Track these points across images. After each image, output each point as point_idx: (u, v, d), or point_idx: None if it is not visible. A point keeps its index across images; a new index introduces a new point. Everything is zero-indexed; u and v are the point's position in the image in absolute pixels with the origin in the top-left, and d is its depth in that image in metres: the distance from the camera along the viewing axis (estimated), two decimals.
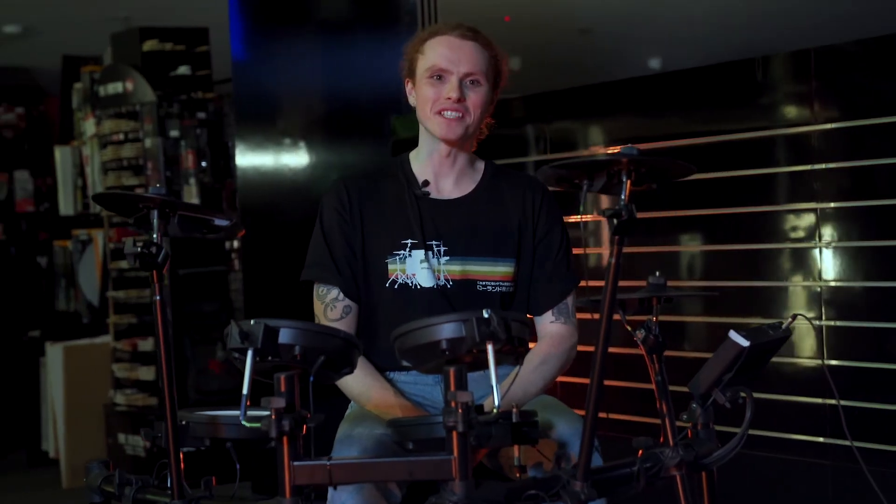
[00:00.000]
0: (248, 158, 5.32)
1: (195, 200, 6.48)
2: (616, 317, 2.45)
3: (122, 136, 6.69)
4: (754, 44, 7.34)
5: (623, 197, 2.19)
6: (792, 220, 3.90)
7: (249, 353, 2.21)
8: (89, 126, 7.27)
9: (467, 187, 2.99)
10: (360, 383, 2.83)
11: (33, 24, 7.90)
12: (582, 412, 2.76)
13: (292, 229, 5.37)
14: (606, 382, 4.28)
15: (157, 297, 2.27)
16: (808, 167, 3.83)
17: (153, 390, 6.58)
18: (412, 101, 2.97)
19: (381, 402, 2.80)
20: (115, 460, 6.54)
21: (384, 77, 5.04)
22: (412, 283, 2.89)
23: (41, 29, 8.04)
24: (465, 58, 2.86)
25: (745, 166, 4.01)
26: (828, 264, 3.79)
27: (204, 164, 6.55)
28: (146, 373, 6.59)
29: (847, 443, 3.66)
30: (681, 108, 4.30)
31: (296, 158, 5.24)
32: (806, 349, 3.86)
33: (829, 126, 3.78)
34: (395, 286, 2.90)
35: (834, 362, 3.78)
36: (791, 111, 3.92)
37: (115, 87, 6.72)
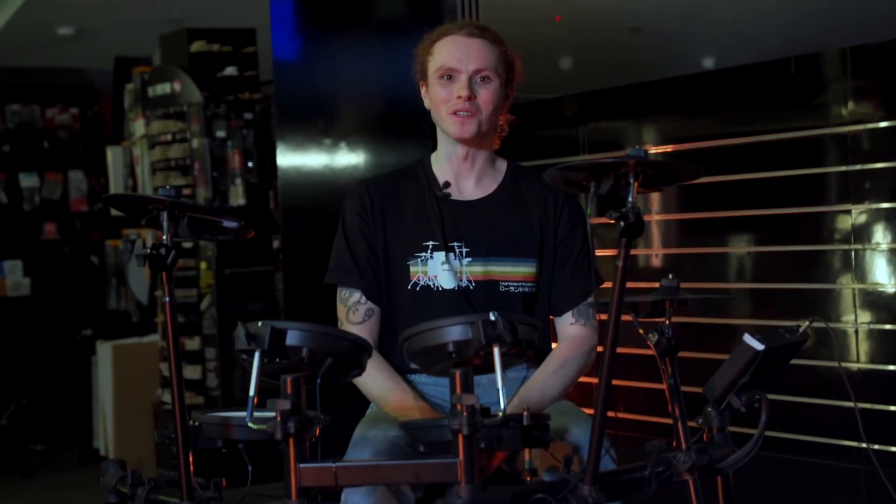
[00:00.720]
0: (288, 159, 5.34)
1: (241, 201, 6.52)
2: (628, 318, 2.43)
3: (169, 137, 6.75)
4: (809, 41, 7.26)
5: (630, 199, 2.17)
6: (839, 222, 3.83)
7: (257, 355, 2.21)
8: (139, 126, 7.35)
9: (489, 188, 2.98)
10: (379, 385, 2.84)
11: (87, 25, 8.00)
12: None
13: (333, 230, 5.38)
14: (626, 383, 4.31)
15: (167, 299, 2.28)
16: (857, 167, 3.75)
17: (199, 389, 6.63)
18: (427, 103, 2.97)
19: (399, 404, 2.79)
20: (163, 458, 6.60)
21: None
22: (434, 284, 2.89)
23: (95, 30, 8.14)
24: (474, 55, 2.86)
25: (793, 166, 3.93)
26: (871, 266, 3.72)
27: (250, 164, 6.59)
28: (192, 371, 6.64)
29: (884, 448, 3.62)
30: (730, 107, 4.22)
31: (336, 158, 5.25)
32: (835, 352, 3.80)
33: (881, 125, 3.69)
34: (417, 288, 2.90)
35: (868, 366, 3.73)
36: (838, 110, 3.83)
37: (163, 88, 6.78)
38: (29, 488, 7.14)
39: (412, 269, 2.90)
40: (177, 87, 6.68)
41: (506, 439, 2.30)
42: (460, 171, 2.97)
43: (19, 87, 8.92)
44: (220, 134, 6.57)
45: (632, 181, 2.18)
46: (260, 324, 2.23)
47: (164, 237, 2.29)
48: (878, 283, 3.72)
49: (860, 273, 3.76)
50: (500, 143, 3.07)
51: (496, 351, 2.20)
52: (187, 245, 6.62)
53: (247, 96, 6.66)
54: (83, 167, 8.94)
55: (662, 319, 2.43)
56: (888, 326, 3.71)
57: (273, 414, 2.19)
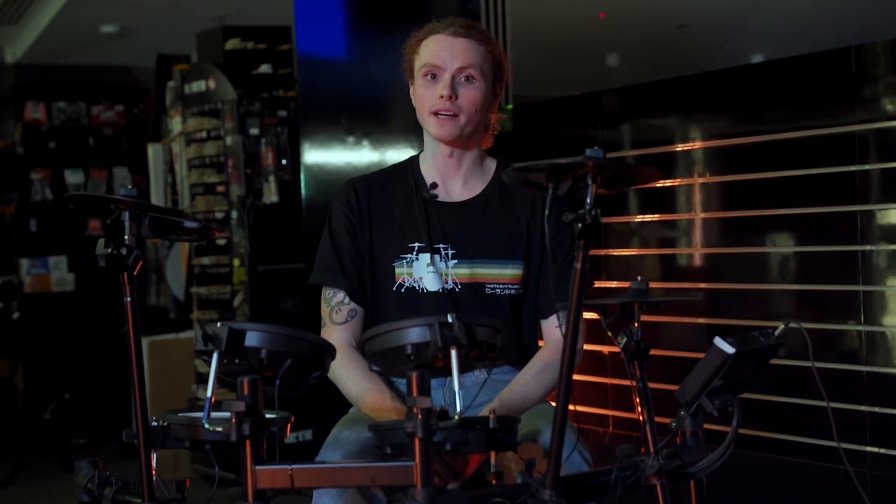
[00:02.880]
0: (312, 156, 5.35)
1: (274, 198, 6.54)
2: (596, 316, 2.40)
3: (204, 134, 6.78)
4: (859, 34, 7.13)
5: (588, 201, 2.14)
6: (887, 219, 3.70)
7: (214, 356, 2.21)
8: (177, 124, 7.40)
9: (476, 189, 2.96)
10: (357, 385, 2.82)
11: (130, 23, 8.07)
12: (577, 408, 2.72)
13: None
14: (612, 380, 4.24)
15: (128, 299, 2.28)
16: None
17: (231, 386, 6.63)
18: (414, 102, 2.95)
19: (376, 405, 2.78)
20: (198, 455, 6.63)
21: None
22: (419, 286, 2.87)
23: (138, 28, 8.21)
24: (458, 55, 2.83)
25: (840, 163, 3.80)
26: None
27: (284, 161, 6.60)
28: None
29: (886, 451, 3.56)
30: (776, 102, 4.10)
31: (360, 156, 5.25)
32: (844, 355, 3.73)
33: None
34: (402, 290, 2.88)
35: (867, 368, 3.65)
36: (890, 104, 3.70)
37: (198, 86, 6.82)
38: (66, 481, 7.21)
39: (397, 270, 2.89)
40: (212, 84, 6.71)
41: (472, 442, 2.28)
42: (447, 172, 2.94)
43: (65, 85, 9.02)
44: (254, 131, 6.59)
45: (590, 182, 2.15)
46: (218, 324, 2.23)
47: (126, 237, 2.29)
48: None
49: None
50: (494, 142, 3.04)
51: (453, 353, 2.18)
52: (221, 242, 6.66)
53: (281, 94, 6.67)
54: (128, 164, 9.03)
55: (631, 322, 2.39)
56: None
57: (229, 415, 2.19)
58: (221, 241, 6.65)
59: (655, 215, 4.26)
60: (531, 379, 2.80)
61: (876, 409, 3.63)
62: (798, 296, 3.96)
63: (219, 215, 6.66)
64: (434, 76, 2.84)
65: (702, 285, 4.18)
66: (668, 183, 4.20)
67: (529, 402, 2.78)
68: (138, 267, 2.29)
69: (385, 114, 5.22)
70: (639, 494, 2.37)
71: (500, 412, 2.51)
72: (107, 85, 9.12)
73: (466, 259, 2.87)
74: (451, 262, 2.87)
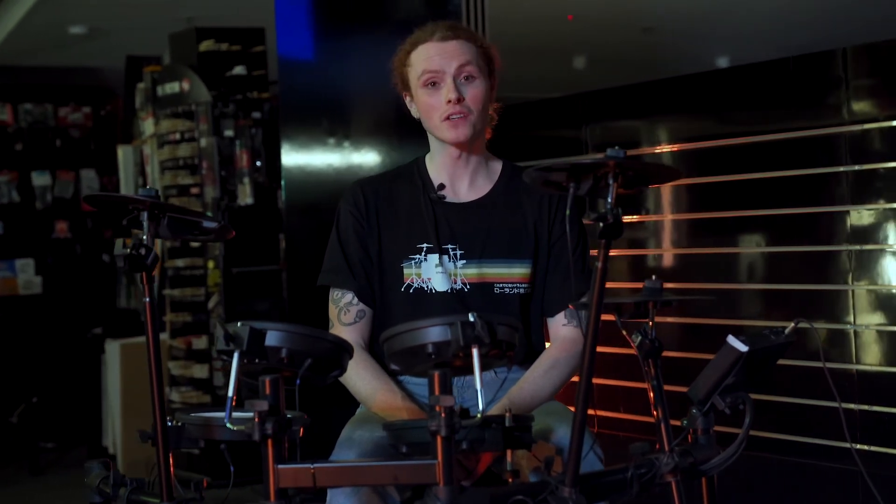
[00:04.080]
0: (293, 158, 5.34)
1: (249, 200, 6.53)
2: (611, 317, 2.42)
3: (178, 136, 6.76)
4: (825, 38, 7.22)
5: (609, 200, 2.16)
6: (848, 221, 3.78)
7: (235, 356, 2.21)
8: (149, 125, 7.37)
9: (483, 189, 2.97)
10: (366, 385, 2.83)
11: (99, 24, 8.02)
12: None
13: None
14: (619, 383, 4.28)
15: (147, 300, 2.27)
16: (883, 165, 3.70)
17: (206, 388, 6.64)
18: (414, 112, 2.96)
19: (386, 404, 2.79)
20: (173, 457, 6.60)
21: None
22: (427, 287, 2.88)
23: (107, 30, 8.16)
24: (453, 56, 2.85)
25: (805, 165, 3.88)
26: (877, 267, 3.69)
27: (259, 163, 6.60)
28: (200, 370, 6.65)
29: (882, 449, 3.60)
30: (744, 106, 4.18)
31: (341, 158, 5.25)
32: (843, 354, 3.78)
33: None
34: (411, 290, 2.89)
35: (858, 367, 3.71)
36: (857, 107, 3.78)
37: (171, 87, 6.80)
38: (38, 486, 7.16)
39: (406, 271, 2.90)
40: (185, 86, 6.69)
41: (488, 441, 2.30)
42: (454, 173, 2.96)
43: (32, 86, 8.95)
44: (229, 133, 6.58)
45: (611, 182, 2.17)
46: (239, 324, 2.23)
47: (144, 237, 2.29)
48: (882, 285, 3.70)
49: (861, 273, 3.73)
50: (493, 133, 3.05)
51: (475, 352, 2.19)
52: (195, 244, 6.64)
53: (255, 95, 6.67)
54: (95, 166, 8.97)
55: (646, 320, 2.42)
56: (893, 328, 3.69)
57: (251, 415, 2.19)
58: (195, 244, 6.63)
59: (624, 217, 4.32)
60: (539, 377, 2.82)
61: (864, 407, 3.69)
62: (766, 295, 4.04)
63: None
64: (435, 83, 2.86)
65: (670, 285, 4.23)
66: None
67: (539, 401, 2.79)
68: (157, 267, 2.28)
69: (366, 115, 5.22)
70: (651, 492, 2.40)
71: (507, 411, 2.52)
72: (74, 87, 9.05)
73: (475, 259, 2.89)
74: (460, 263, 2.88)
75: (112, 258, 8.36)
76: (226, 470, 2.46)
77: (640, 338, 2.40)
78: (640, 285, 2.43)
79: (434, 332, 2.22)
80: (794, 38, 8.58)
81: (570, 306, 2.87)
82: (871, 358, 3.72)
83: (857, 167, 3.74)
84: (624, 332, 2.40)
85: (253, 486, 2.59)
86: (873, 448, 3.64)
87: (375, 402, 2.80)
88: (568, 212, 2.18)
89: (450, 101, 2.83)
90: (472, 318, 2.19)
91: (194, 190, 6.62)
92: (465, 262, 2.88)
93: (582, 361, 2.19)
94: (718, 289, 4.14)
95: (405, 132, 4.91)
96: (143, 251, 2.27)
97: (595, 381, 4.22)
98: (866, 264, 3.73)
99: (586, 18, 8.50)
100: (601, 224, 2.15)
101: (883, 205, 3.67)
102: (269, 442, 2.18)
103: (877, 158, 3.70)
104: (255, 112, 6.65)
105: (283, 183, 5.47)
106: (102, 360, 7.71)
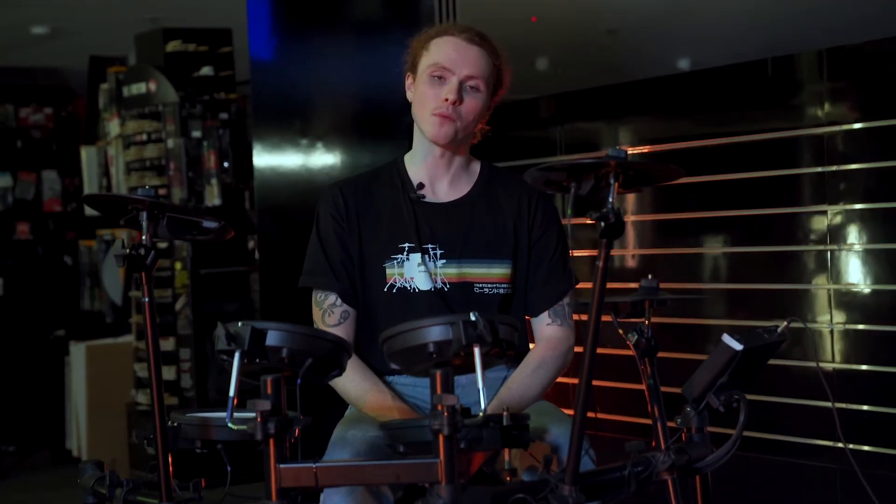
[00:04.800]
0: (265, 159, 5.33)
1: (217, 201, 6.50)
2: (608, 318, 2.44)
3: (145, 137, 6.72)
4: (785, 43, 7.28)
5: (610, 200, 2.18)
6: (814, 222, 3.85)
7: (237, 356, 2.21)
8: (114, 126, 7.32)
9: (463, 189, 2.98)
10: (356, 386, 2.83)
11: (62, 25, 7.95)
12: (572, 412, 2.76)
13: (308, 230, 5.37)
14: (605, 383, 4.31)
15: (146, 300, 2.27)
16: (832, 168, 3.77)
17: (174, 390, 6.61)
18: (409, 96, 2.96)
19: (377, 404, 2.79)
20: (137, 459, 6.57)
21: (398, 78, 5.02)
22: (410, 286, 2.88)
23: (70, 30, 8.09)
24: (469, 61, 2.84)
25: (768, 167, 3.95)
26: (845, 267, 3.74)
27: (226, 164, 6.57)
28: (167, 372, 6.61)
29: (861, 447, 3.65)
30: (705, 109, 4.24)
31: (312, 159, 5.24)
32: (811, 352, 3.83)
33: (855, 126, 3.72)
34: (394, 290, 2.89)
35: (843, 366, 3.75)
36: (814, 111, 3.86)
37: (138, 88, 6.76)
38: (0, 490, 7.09)
39: (388, 271, 2.90)
40: (152, 86, 6.65)
41: (486, 440, 2.30)
42: (435, 172, 2.96)
43: None
44: (196, 134, 6.55)
45: (612, 182, 2.19)
46: (240, 324, 2.22)
47: (144, 237, 2.28)
48: (852, 284, 3.74)
49: (835, 273, 3.78)
50: (470, 147, 3.06)
51: (477, 351, 2.20)
52: (162, 245, 6.60)
53: (223, 96, 6.64)
54: (57, 167, 8.88)
55: (642, 320, 2.44)
56: (861, 326, 3.73)
57: (253, 414, 2.19)
58: (162, 245, 6.60)
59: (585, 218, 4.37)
60: (527, 377, 2.83)
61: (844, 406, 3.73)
62: (728, 295, 4.09)
63: None
64: (441, 78, 2.86)
65: (632, 285, 4.27)
66: None
67: (528, 400, 2.81)
68: (155, 267, 2.28)
69: (340, 116, 5.21)
70: (646, 491, 2.42)
71: (500, 410, 2.53)
72: (36, 87, 8.95)
73: (455, 259, 2.90)
74: (440, 262, 2.89)
75: (75, 260, 8.31)
76: (198, 471, 2.47)
77: (636, 336, 2.42)
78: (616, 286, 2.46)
79: (436, 332, 2.22)
80: (757, 40, 8.66)
81: (566, 306, 2.88)
82: (839, 356, 3.78)
83: (820, 169, 3.80)
84: (620, 332, 2.42)
85: (235, 486, 2.58)
86: (838, 444, 3.69)
87: (366, 403, 2.81)
88: (569, 211, 2.19)
89: (446, 100, 2.83)
90: (473, 318, 2.20)
91: (162, 191, 6.59)
92: (444, 261, 2.89)
93: (583, 359, 2.21)
94: (682, 289, 4.18)
95: (376, 133, 4.92)
96: (142, 251, 2.26)
97: (572, 381, 4.25)
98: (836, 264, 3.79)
99: (550, 20, 8.53)
100: (602, 224, 2.16)
101: (843, 206, 3.73)
102: (272, 441, 2.18)
103: (842, 160, 3.76)
104: (222, 113, 6.62)
105: (255, 184, 5.45)
106: (66, 362, 7.65)
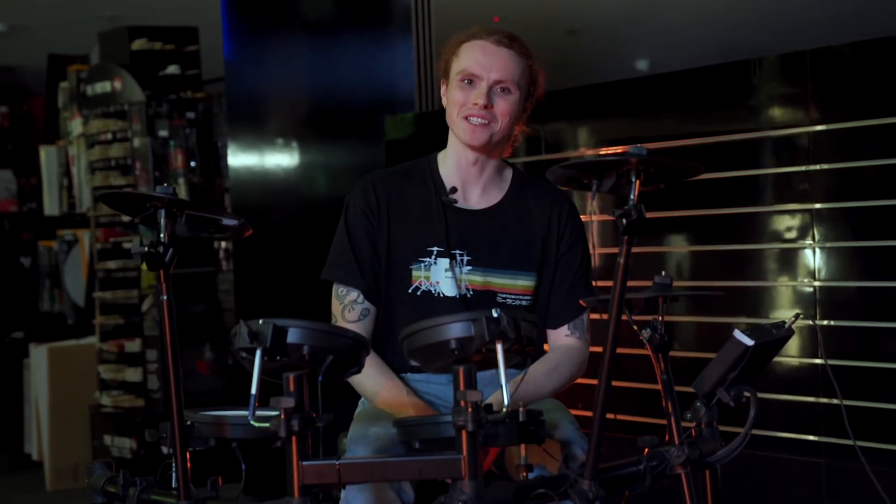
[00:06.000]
0: (240, 158, 5.31)
1: None
2: (622, 316, 2.46)
3: (109, 136, 6.66)
4: (741, 46, 7.37)
5: (632, 197, 2.20)
6: (784, 221, 3.92)
7: (258, 353, 2.20)
8: (76, 125, 7.25)
9: (494, 198, 2.97)
10: (373, 382, 2.83)
11: (18, 22, 7.87)
12: (582, 413, 2.78)
13: (284, 229, 5.37)
14: (613, 383, 4.34)
15: (165, 298, 2.25)
16: (800, 168, 3.85)
17: (140, 391, 6.56)
18: (444, 102, 2.94)
19: (393, 401, 2.79)
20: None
21: (377, 78, 5.04)
22: (435, 290, 2.88)
23: (26, 27, 8.01)
24: (498, 64, 2.84)
25: (736, 168, 4.03)
26: (820, 264, 3.81)
27: (193, 164, 6.53)
28: (133, 374, 6.57)
29: (841, 441, 3.70)
30: (671, 111, 4.31)
31: (288, 158, 5.23)
32: (792, 348, 3.88)
33: (819, 128, 3.79)
34: (418, 293, 2.89)
35: (819, 361, 3.80)
36: (781, 113, 3.94)
37: (102, 87, 6.70)
38: None
39: (415, 273, 2.89)
40: (117, 85, 6.60)
41: (502, 435, 2.31)
42: (468, 177, 2.95)
43: None
44: (163, 133, 6.51)
45: (633, 179, 2.21)
46: (261, 321, 2.22)
47: (162, 235, 2.27)
48: (830, 281, 3.80)
49: (816, 270, 3.83)
50: (512, 151, 3.06)
51: (499, 347, 2.21)
52: (128, 245, 6.55)
53: (189, 95, 6.60)
54: (13, 167, 8.77)
55: (655, 316, 2.46)
56: (842, 322, 3.79)
57: (275, 412, 2.18)
58: (129, 245, 6.54)
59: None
60: (542, 375, 2.84)
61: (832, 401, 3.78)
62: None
63: (126, 219, 6.54)
64: (471, 82, 2.85)
65: (599, 283, 4.32)
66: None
67: (538, 397, 2.82)
68: (174, 265, 2.27)
69: (315, 116, 5.21)
70: (658, 485, 2.44)
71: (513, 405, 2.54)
72: None
73: (480, 267, 2.90)
74: (466, 269, 2.89)
75: (33, 261, 8.21)
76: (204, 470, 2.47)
77: (650, 332, 2.44)
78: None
79: (458, 328, 2.23)
80: (716, 43, 8.76)
81: (582, 302, 2.90)
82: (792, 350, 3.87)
83: (773, 170, 3.89)
84: (635, 328, 2.45)
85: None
86: (835, 440, 3.75)
87: (381, 398, 2.81)
88: (590, 207, 2.21)
89: (476, 104, 2.83)
90: (496, 314, 2.21)
91: (127, 191, 6.53)
92: (470, 268, 2.89)
93: (603, 355, 2.23)
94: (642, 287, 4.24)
95: (346, 132, 4.92)
96: (160, 249, 2.25)
97: (589, 382, 4.29)
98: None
99: (512, 20, 8.55)
100: (624, 220, 2.18)
101: (773, 206, 3.79)
102: (294, 439, 2.18)
103: (797, 162, 3.85)
104: (189, 112, 6.57)
105: (230, 184, 5.44)
106: (25, 365, 7.56)
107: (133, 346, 6.58)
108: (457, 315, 2.24)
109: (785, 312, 3.89)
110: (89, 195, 6.86)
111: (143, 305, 6.53)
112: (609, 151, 4.40)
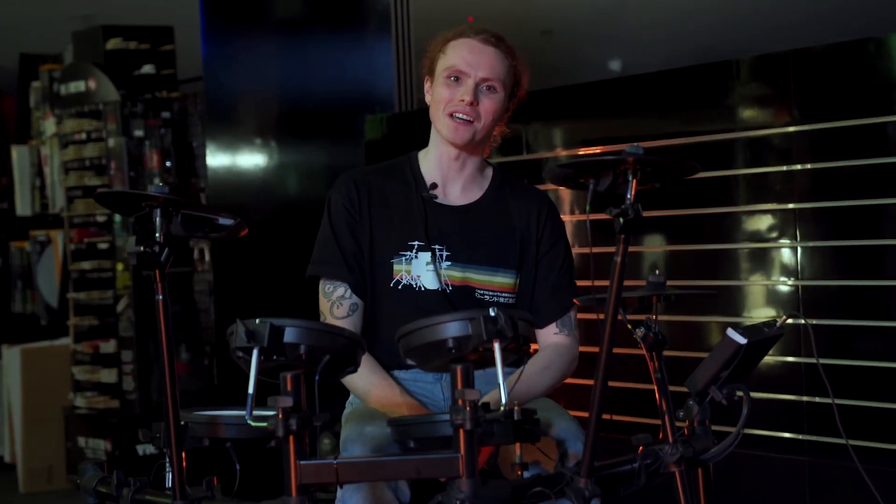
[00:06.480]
0: (218, 158, 5.29)
1: None
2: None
3: (84, 136, 6.62)
4: (715, 47, 7.40)
5: (629, 196, 2.21)
6: (765, 221, 3.94)
7: (255, 353, 2.20)
8: (49, 125, 7.20)
9: (474, 195, 2.99)
10: (365, 381, 2.82)
11: None
12: (576, 413, 2.79)
13: (263, 229, 5.35)
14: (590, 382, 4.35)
15: (160, 297, 2.25)
16: (782, 168, 3.88)
17: (115, 393, 6.52)
18: (428, 99, 2.96)
19: (386, 400, 2.79)
20: (73, 465, 6.47)
21: (356, 78, 5.03)
22: (416, 284, 2.89)
23: None
24: (485, 63, 2.85)
25: (718, 168, 4.05)
26: (801, 264, 3.83)
27: (168, 164, 6.50)
28: (108, 375, 6.53)
29: (825, 439, 3.72)
30: (655, 111, 4.33)
31: (267, 158, 5.22)
32: (776, 346, 3.91)
33: (801, 128, 3.82)
34: (399, 287, 2.90)
35: (803, 360, 3.83)
36: (763, 114, 3.96)
37: (76, 86, 6.66)
38: None
39: (396, 267, 2.90)
40: (92, 84, 6.56)
41: (497, 434, 2.32)
42: (449, 174, 2.97)
43: None
44: (138, 133, 6.47)
45: (630, 178, 2.22)
46: (258, 321, 2.22)
47: (157, 235, 2.26)
48: (810, 279, 3.83)
49: (796, 269, 3.86)
50: (490, 152, 3.07)
51: (496, 346, 2.21)
52: (103, 246, 6.52)
53: (164, 95, 6.57)
54: None
55: (648, 315, 2.47)
56: (823, 321, 3.81)
57: (272, 412, 2.18)
58: (104, 245, 6.51)
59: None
60: (535, 374, 2.85)
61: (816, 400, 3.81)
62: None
63: (101, 219, 6.52)
64: (458, 79, 2.86)
65: (584, 283, 4.35)
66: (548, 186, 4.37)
67: (531, 396, 2.82)
68: (169, 264, 2.26)
69: (294, 116, 5.20)
70: (651, 483, 2.45)
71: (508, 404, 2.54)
72: None
73: (460, 263, 2.91)
74: (445, 264, 2.90)
75: (5, 261, 8.16)
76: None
77: (644, 331, 2.45)
78: None
79: (454, 328, 2.23)
80: (690, 43, 8.79)
81: (575, 300, 2.91)
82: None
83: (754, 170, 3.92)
84: (629, 326, 2.45)
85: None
86: (819, 439, 3.77)
87: (373, 397, 2.81)
88: (588, 207, 2.22)
89: (462, 101, 2.84)
90: (493, 313, 2.21)
91: (101, 191, 6.49)
92: (449, 263, 2.90)
93: (600, 354, 2.23)
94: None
95: (325, 132, 4.91)
96: (156, 249, 2.24)
97: (576, 381, 4.31)
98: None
99: (487, 20, 8.55)
100: (621, 220, 2.19)
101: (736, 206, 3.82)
102: (291, 438, 2.18)
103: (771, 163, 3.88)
104: (164, 112, 6.54)
105: (208, 184, 5.42)
106: None
107: (108, 346, 6.55)
108: (454, 314, 2.24)
109: (767, 311, 3.92)
110: (63, 195, 6.81)
111: (119, 306, 6.49)
112: (589, 152, 4.42)
